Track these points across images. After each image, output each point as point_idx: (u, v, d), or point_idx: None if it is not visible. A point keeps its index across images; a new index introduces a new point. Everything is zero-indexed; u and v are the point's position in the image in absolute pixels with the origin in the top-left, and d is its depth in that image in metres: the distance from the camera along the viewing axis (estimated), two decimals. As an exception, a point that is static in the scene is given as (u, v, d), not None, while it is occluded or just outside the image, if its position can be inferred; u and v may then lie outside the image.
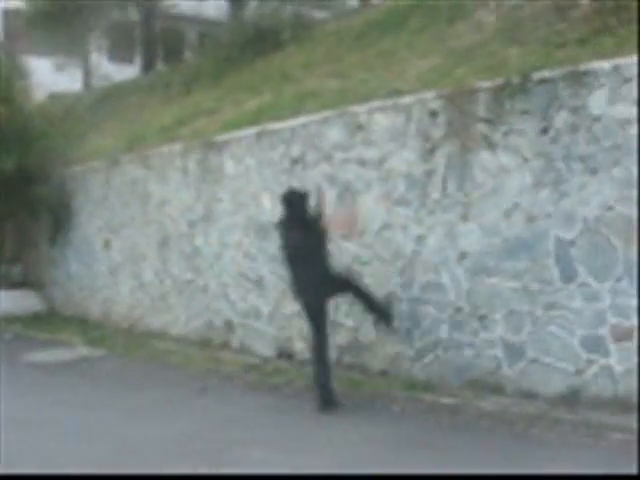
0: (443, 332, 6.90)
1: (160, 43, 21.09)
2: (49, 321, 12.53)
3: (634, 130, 5.74)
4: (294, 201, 6.78)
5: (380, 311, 7.04)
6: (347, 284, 6.99)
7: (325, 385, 6.63)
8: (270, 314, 8.65)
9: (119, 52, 24.43)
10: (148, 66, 18.79)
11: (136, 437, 6.03)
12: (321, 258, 6.74)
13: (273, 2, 14.50)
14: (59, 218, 12.75)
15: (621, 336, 5.81)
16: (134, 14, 19.29)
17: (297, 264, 6.72)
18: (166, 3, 20.22)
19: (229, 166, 9.27)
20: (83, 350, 10.22)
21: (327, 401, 6.57)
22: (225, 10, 19.52)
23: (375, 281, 7.39)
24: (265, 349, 8.71)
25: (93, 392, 7.87)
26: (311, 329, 6.79)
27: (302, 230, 6.65)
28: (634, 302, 5.73)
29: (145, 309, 10.84)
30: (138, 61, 20.89)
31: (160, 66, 19.32)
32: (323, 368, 6.68)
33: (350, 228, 7.60)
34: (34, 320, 12.59)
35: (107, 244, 11.72)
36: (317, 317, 6.72)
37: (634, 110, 5.74)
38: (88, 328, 11.51)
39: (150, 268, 10.70)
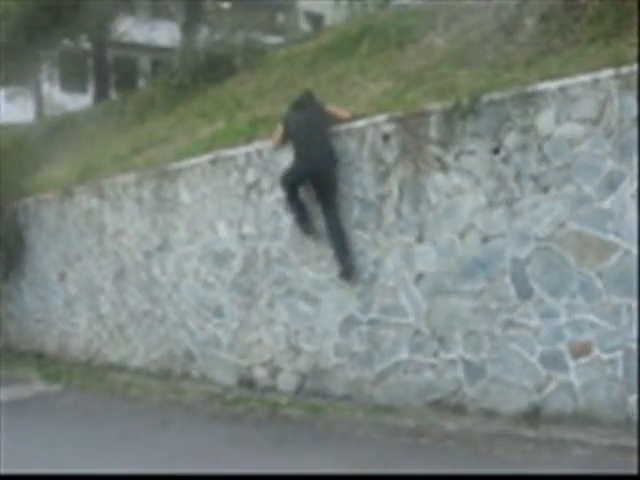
0: (403, 354, 6.91)
1: (113, 72, 21.00)
2: (4, 357, 12.21)
3: (582, 148, 5.85)
4: (302, 101, 7.68)
5: (342, 256, 7.26)
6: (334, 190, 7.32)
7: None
8: (230, 342, 8.57)
9: (72, 81, 24.26)
10: (101, 95, 18.62)
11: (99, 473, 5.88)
12: (327, 136, 7.37)
13: (225, 29, 14.50)
14: (12, 251, 12.48)
15: (579, 352, 5.88)
16: (86, 43, 19.16)
17: (308, 141, 7.35)
18: (118, 31, 20.14)
19: (184, 194, 9.20)
20: (40, 386, 10.01)
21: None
22: (177, 37, 19.50)
23: (335, 305, 7.39)
24: (226, 378, 8.61)
25: (52, 429, 7.67)
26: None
27: (308, 113, 7.49)
28: (590, 317, 5.80)
29: (103, 342, 10.65)
30: (91, 90, 20.70)
31: (113, 95, 19.18)
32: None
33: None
34: (-12, 357, 12.30)
35: (62, 276, 11.52)
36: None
37: (582, 129, 5.86)
38: (45, 363, 11.27)
39: (107, 300, 10.53)
